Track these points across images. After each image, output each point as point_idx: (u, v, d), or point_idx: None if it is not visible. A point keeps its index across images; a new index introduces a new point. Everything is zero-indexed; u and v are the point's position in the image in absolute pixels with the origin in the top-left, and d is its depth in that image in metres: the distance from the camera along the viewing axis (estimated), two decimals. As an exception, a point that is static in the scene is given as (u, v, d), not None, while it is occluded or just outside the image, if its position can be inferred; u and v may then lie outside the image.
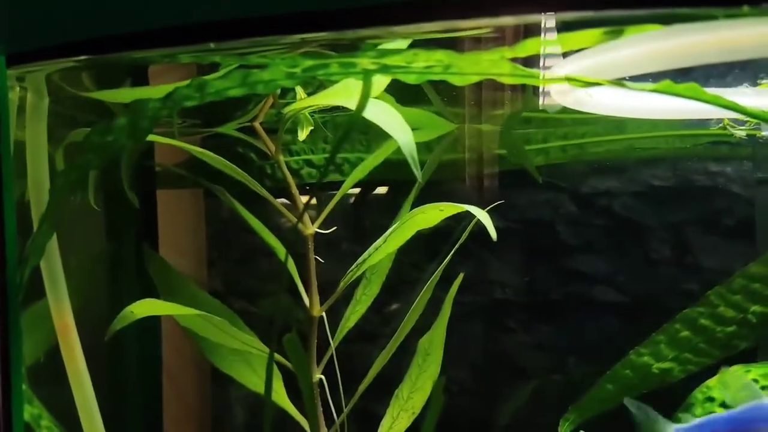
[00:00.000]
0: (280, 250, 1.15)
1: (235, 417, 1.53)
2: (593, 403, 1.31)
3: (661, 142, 1.28)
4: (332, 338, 1.22)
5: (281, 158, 1.10)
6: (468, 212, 0.96)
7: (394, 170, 1.16)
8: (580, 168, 1.36)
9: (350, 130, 0.94)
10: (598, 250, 1.40)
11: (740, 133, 1.13)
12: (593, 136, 1.28)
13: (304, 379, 0.96)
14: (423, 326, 1.20)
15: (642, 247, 1.37)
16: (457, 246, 1.12)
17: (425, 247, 1.28)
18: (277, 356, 1.17)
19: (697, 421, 0.92)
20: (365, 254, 1.08)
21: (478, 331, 1.45)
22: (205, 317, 1.07)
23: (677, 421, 0.94)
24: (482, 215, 0.95)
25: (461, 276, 1.17)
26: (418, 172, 0.86)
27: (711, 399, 1.18)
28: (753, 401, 0.87)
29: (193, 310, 1.04)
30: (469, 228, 1.09)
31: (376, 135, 1.28)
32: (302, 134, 1.05)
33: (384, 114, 0.88)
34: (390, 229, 1.05)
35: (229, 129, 1.14)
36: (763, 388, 1.10)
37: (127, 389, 1.35)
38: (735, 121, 1.14)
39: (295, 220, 1.13)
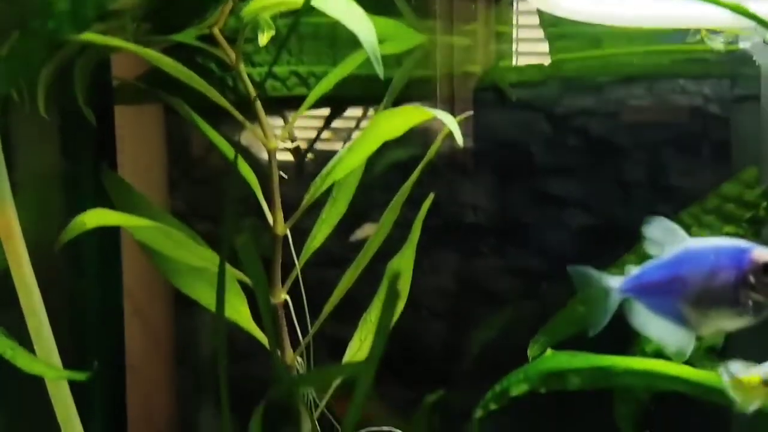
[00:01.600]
0: (243, 167, 1.11)
1: (200, 342, 1.50)
2: (563, 326, 1.29)
3: (637, 58, 1.25)
4: (298, 259, 1.19)
5: (242, 67, 1.05)
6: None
7: (365, 86, 1.12)
8: (555, 86, 1.32)
9: (300, 18, 0.89)
10: (572, 172, 1.37)
11: (718, 45, 1.10)
12: (568, 52, 1.24)
13: (259, 286, 0.92)
14: (393, 251, 1.17)
15: (616, 169, 1.34)
16: (424, 162, 1.08)
17: (399, 172, 1.25)
18: (240, 275, 1.14)
19: (634, 271, 0.91)
20: (329, 166, 1.04)
21: (449, 255, 1.42)
22: (162, 231, 1.03)
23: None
24: (449, 120, 0.91)
25: (431, 196, 1.14)
26: (379, 69, 0.83)
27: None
28: (680, 245, 0.88)
29: (147, 221, 1.00)
30: (437, 141, 1.06)
31: (343, 46, 1.24)
32: (263, 39, 1.00)
33: (343, 8, 0.83)
34: (354, 139, 1.01)
35: (188, 37, 1.08)
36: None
37: (86, 314, 1.31)
38: (711, 33, 1.10)
39: (258, 133, 1.09)
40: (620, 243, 1.23)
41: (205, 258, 1.07)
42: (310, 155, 1.46)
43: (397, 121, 0.97)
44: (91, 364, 0.90)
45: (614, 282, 0.91)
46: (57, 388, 0.99)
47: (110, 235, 1.36)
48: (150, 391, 1.51)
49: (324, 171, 1.05)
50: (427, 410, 0.79)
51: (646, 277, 0.90)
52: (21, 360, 0.88)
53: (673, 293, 0.88)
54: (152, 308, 1.49)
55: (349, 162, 1.04)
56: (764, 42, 1.10)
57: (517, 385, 1.17)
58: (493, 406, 1.18)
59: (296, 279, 1.26)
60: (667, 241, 0.89)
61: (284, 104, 1.27)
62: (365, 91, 1.15)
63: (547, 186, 1.37)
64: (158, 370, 1.52)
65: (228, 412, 0.98)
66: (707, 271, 0.86)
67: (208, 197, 1.45)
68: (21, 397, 1.14)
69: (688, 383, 1.06)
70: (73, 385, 1.03)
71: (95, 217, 0.95)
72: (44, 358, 0.93)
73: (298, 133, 1.46)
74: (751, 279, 0.85)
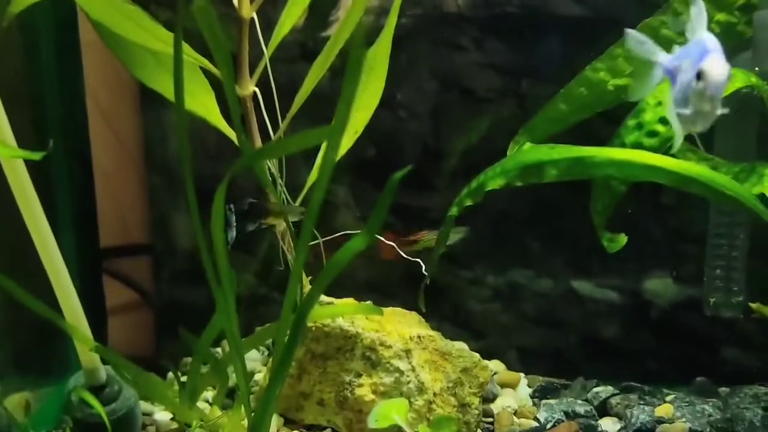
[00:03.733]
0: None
1: (168, 143, 1.46)
2: (544, 124, 1.25)
3: None
4: (266, 47, 1.13)
5: None
6: None
7: None
8: None
9: None
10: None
11: None
12: None
13: (223, 65, 0.85)
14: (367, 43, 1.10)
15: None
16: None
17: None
18: (204, 61, 1.07)
19: (677, 51, 0.89)
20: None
21: (427, 49, 1.35)
22: (119, 8, 0.95)
23: None
24: None
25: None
26: None
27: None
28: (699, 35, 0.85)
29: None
30: None
31: None
32: None
33: None
34: None
35: None
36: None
37: (47, 112, 1.26)
38: None
39: None
40: (611, 35, 1.16)
41: (166, 40, 1.00)
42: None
43: None
44: (48, 145, 0.84)
45: (663, 58, 0.89)
46: (20, 188, 0.95)
47: (68, 30, 1.29)
48: (120, 194, 1.48)
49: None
50: (392, 189, 0.75)
51: (674, 61, 0.88)
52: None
53: (674, 82, 0.87)
54: (118, 111, 1.44)
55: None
56: None
57: (493, 179, 1.13)
58: (468, 203, 1.16)
59: (266, 75, 1.20)
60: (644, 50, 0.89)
61: None
62: None
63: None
64: (127, 172, 1.49)
65: (196, 205, 0.95)
66: (686, 68, 0.84)
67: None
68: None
69: (667, 173, 1.04)
70: (41, 192, 0.98)
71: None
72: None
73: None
74: (695, 84, 0.81)
